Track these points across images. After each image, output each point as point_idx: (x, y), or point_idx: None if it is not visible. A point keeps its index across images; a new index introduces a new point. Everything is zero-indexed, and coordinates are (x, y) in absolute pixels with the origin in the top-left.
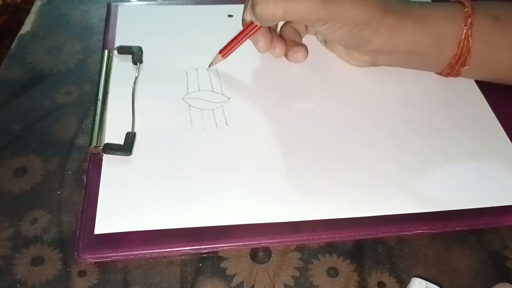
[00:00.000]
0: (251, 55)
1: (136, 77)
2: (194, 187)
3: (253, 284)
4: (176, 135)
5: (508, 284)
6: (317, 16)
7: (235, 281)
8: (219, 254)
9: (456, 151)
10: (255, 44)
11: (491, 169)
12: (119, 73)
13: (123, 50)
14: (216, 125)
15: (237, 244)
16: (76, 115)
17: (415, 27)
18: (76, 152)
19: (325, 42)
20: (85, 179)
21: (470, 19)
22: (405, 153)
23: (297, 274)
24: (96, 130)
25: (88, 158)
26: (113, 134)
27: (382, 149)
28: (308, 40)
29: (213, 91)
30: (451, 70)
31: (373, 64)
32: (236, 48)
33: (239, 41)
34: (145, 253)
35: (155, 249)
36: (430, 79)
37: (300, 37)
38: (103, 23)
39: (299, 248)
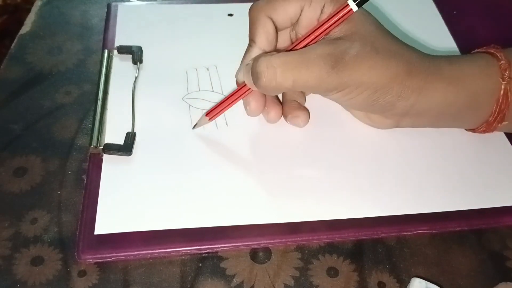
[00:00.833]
0: None
1: (136, 77)
2: (194, 187)
3: (253, 284)
4: (176, 135)
5: (511, 284)
6: (330, 86)
7: (235, 281)
8: (219, 254)
9: (456, 151)
10: (245, 106)
11: (491, 170)
12: (119, 73)
13: (123, 50)
14: (216, 126)
15: (237, 244)
16: (76, 115)
17: (447, 88)
18: (76, 152)
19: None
20: (85, 179)
21: (507, 72)
22: (405, 153)
23: (297, 274)
24: (96, 130)
25: (88, 158)
26: (113, 134)
27: (382, 149)
28: None
29: (213, 91)
30: (487, 127)
31: (397, 126)
32: (224, 112)
33: (229, 104)
34: (145, 253)
35: (155, 249)
36: None
37: (304, 97)
38: (103, 23)
39: (299, 248)
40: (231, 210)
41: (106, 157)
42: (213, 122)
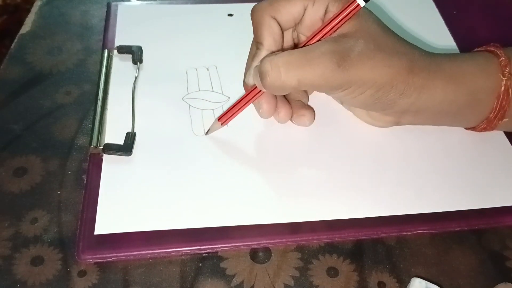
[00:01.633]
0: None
1: (136, 77)
2: (194, 187)
3: (253, 284)
4: (176, 135)
5: (510, 284)
6: (335, 84)
7: (235, 281)
8: (219, 254)
9: (456, 151)
10: (257, 109)
11: (491, 170)
12: (119, 73)
13: (123, 49)
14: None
15: (237, 244)
16: (76, 115)
17: (447, 85)
18: (76, 152)
19: (341, 102)
20: (85, 179)
21: (507, 68)
22: (405, 154)
23: (297, 274)
24: (96, 130)
25: (88, 158)
26: (113, 134)
27: (381, 149)
28: None
29: (213, 91)
30: (488, 124)
31: (397, 124)
32: (236, 115)
33: (241, 107)
34: (145, 253)
35: (155, 250)
36: None
37: (307, 96)
38: (103, 23)
39: (299, 248)
40: (231, 210)
41: (106, 157)
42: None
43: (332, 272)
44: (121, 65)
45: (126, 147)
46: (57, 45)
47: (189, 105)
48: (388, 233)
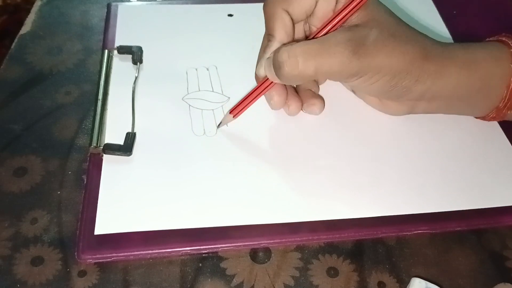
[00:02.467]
0: (251, 55)
1: (136, 77)
2: (194, 188)
3: (253, 284)
4: (176, 135)
5: (509, 284)
6: (352, 72)
7: (235, 281)
8: (219, 254)
9: (456, 151)
10: (268, 101)
11: (491, 170)
12: (119, 73)
13: (123, 50)
14: (216, 127)
15: (237, 244)
16: (76, 115)
17: (460, 71)
18: (76, 152)
19: (353, 91)
20: (85, 179)
21: None
22: (405, 153)
23: (297, 274)
24: (96, 130)
25: (88, 158)
26: (113, 134)
27: (381, 149)
28: None
29: (213, 91)
30: (497, 113)
31: (411, 112)
32: (248, 107)
33: (252, 99)
34: (145, 253)
35: (155, 250)
36: None
37: (317, 86)
38: (103, 23)
39: (299, 248)
40: (231, 210)
41: (106, 157)
42: (213, 122)
43: (332, 272)
44: (121, 65)
45: (126, 147)
46: (57, 45)
47: (189, 105)
48: (388, 233)
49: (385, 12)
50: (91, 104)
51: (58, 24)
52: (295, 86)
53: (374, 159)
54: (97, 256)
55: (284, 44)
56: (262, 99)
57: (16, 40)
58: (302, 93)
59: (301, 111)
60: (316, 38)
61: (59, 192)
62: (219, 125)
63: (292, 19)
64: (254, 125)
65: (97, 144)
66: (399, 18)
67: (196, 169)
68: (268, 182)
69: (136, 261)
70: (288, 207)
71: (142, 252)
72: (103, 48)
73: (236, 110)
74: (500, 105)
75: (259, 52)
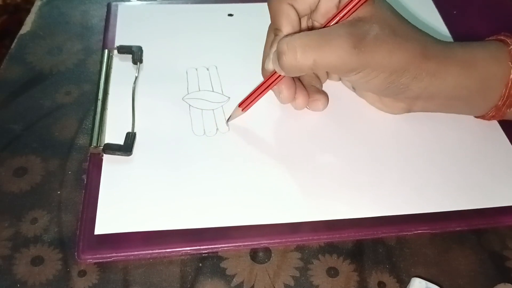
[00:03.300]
0: (251, 55)
1: (136, 77)
2: (195, 188)
3: (253, 284)
4: (176, 135)
5: (509, 285)
6: (350, 66)
7: (235, 281)
8: (219, 254)
9: (456, 151)
10: (277, 95)
11: (491, 170)
12: (119, 73)
13: (123, 49)
14: (216, 126)
15: (237, 244)
16: (76, 115)
17: (459, 71)
18: (76, 152)
19: (354, 88)
20: (85, 179)
21: None
22: (405, 153)
23: (297, 274)
24: (96, 130)
25: (88, 158)
26: (113, 134)
27: (381, 149)
28: None
29: (213, 91)
30: (496, 112)
31: (409, 110)
32: (257, 101)
33: (261, 92)
34: (145, 253)
35: (155, 249)
36: None
37: (321, 82)
38: (103, 23)
39: (299, 248)
40: (231, 210)
41: (106, 157)
42: (213, 122)
43: (332, 272)
44: (121, 65)
45: (126, 147)
46: (57, 45)
47: (189, 105)
48: (388, 233)
49: (387, 8)
50: (91, 104)
51: (58, 24)
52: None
53: (374, 159)
54: (97, 256)
55: (286, 35)
56: (265, 97)
57: (16, 40)
58: (306, 89)
59: (306, 107)
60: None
61: (59, 192)
62: (228, 119)
63: (297, 13)
64: (254, 125)
65: (97, 144)
66: (401, 15)
67: (196, 169)
68: (268, 182)
69: (136, 261)
70: (288, 207)
71: (142, 252)
72: (103, 48)
73: (245, 103)
74: (499, 103)
75: (265, 47)
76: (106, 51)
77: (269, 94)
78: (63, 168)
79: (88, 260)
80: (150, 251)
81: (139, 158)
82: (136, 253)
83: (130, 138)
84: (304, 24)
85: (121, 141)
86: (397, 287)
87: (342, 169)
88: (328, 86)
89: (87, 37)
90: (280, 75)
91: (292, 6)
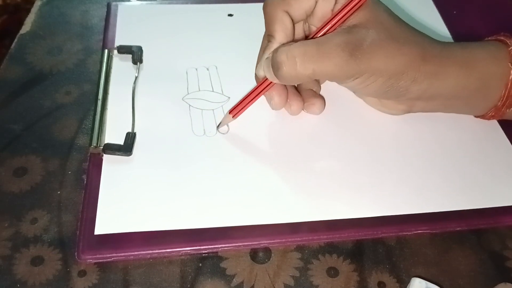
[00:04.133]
0: (251, 54)
1: (136, 77)
2: (195, 188)
3: (253, 284)
4: (176, 135)
5: (509, 285)
6: (348, 74)
7: (235, 281)
8: (219, 254)
9: (456, 151)
10: (269, 101)
11: (491, 169)
12: (119, 73)
13: (123, 49)
14: (216, 127)
15: (237, 244)
16: (76, 115)
17: (459, 71)
18: (76, 152)
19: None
20: (85, 179)
21: None
22: (404, 153)
23: (297, 274)
24: (96, 130)
25: (88, 158)
26: (113, 134)
27: (381, 149)
28: None
29: (213, 91)
30: (496, 112)
31: (410, 111)
32: (247, 107)
33: (252, 99)
34: (145, 253)
35: (155, 249)
36: None
37: (319, 85)
38: (103, 23)
39: (299, 248)
40: (231, 210)
41: (106, 157)
42: (213, 122)
43: (332, 272)
44: (121, 65)
45: (126, 147)
46: (57, 45)
47: (189, 105)
48: (388, 233)
49: (384, 11)
50: (91, 104)
51: (58, 24)
52: (296, 85)
53: (374, 159)
54: (97, 256)
55: (283, 44)
56: (262, 99)
57: (16, 40)
58: (303, 93)
59: (302, 110)
60: (315, 37)
61: (59, 192)
62: (218, 125)
63: (292, 20)
64: (254, 125)
65: (97, 144)
66: (399, 17)
67: (196, 169)
68: (268, 182)
69: (136, 261)
70: (288, 207)
71: (142, 252)
72: (103, 48)
73: (236, 110)
74: (499, 104)
75: (259, 53)
76: (106, 51)
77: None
78: (63, 168)
79: (88, 260)
80: (150, 251)
81: (139, 158)
82: (136, 253)
83: (130, 138)
84: (300, 29)
85: (121, 141)
86: (397, 287)
87: (342, 169)
88: (328, 86)
89: (87, 37)
90: (271, 82)
91: (287, 13)
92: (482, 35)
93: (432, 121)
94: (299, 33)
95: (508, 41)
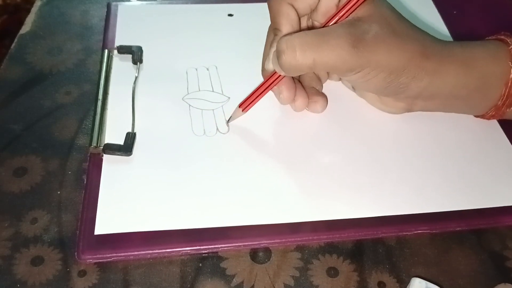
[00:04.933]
0: (251, 54)
1: (136, 77)
2: (195, 188)
3: (253, 284)
4: (176, 135)
5: (509, 285)
6: (349, 66)
7: (235, 281)
8: (219, 254)
9: (456, 151)
10: (277, 95)
11: (491, 169)
12: (119, 73)
13: (123, 49)
14: (216, 126)
15: (237, 244)
16: (76, 115)
17: (458, 70)
18: (76, 152)
19: (353, 88)
20: (85, 179)
21: None
22: (404, 153)
23: (297, 274)
24: (96, 130)
25: (88, 158)
26: (113, 134)
27: (381, 149)
28: None
29: (213, 91)
30: (496, 112)
31: (409, 110)
32: (257, 101)
33: (261, 93)
34: (145, 253)
35: (155, 249)
36: None
37: (321, 83)
38: (103, 23)
39: (299, 248)
40: (231, 210)
41: (106, 157)
42: (213, 122)
43: (332, 272)
44: (121, 65)
45: (126, 147)
46: (57, 45)
47: (189, 105)
48: (388, 233)
49: (387, 8)
50: (91, 104)
51: (58, 24)
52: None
53: (374, 159)
54: (97, 256)
55: (285, 35)
56: (262, 100)
57: (16, 40)
58: (306, 90)
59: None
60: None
61: (59, 192)
62: (229, 120)
63: (297, 13)
64: (254, 125)
65: (97, 144)
66: (401, 14)
67: (196, 169)
68: (268, 182)
69: (136, 261)
70: (288, 207)
71: (142, 252)
72: (103, 48)
73: (245, 104)
74: (499, 103)
75: (265, 48)
76: (106, 51)
77: (269, 95)
78: (63, 168)
79: (88, 260)
80: (150, 251)
81: (139, 158)
82: (136, 253)
83: (130, 138)
84: (304, 24)
85: (121, 141)
86: (397, 287)
87: (342, 169)
88: (328, 86)
89: (87, 37)
90: (280, 76)
91: (292, 6)
92: (482, 35)
93: (432, 121)
94: (303, 28)
95: (508, 40)
